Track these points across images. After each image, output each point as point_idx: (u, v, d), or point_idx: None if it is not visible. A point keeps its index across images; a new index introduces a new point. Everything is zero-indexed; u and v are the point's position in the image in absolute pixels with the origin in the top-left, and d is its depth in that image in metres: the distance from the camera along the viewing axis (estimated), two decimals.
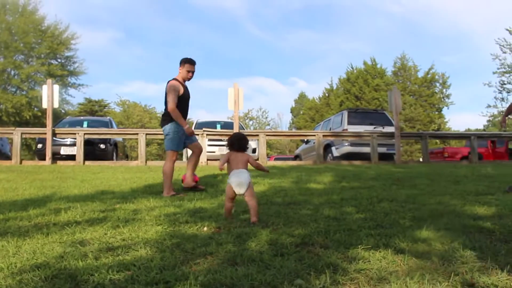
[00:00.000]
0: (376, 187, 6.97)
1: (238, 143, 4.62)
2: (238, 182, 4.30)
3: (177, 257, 2.97)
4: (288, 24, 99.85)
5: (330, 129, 16.64)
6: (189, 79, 6.97)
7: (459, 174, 9.01)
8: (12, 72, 34.38)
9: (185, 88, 6.94)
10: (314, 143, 15.91)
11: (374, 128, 15.53)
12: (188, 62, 6.89)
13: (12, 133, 13.92)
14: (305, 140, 18.90)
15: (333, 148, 15.99)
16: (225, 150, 14.65)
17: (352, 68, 48.04)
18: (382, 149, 15.14)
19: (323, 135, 15.16)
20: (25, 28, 33.35)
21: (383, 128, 15.69)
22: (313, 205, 5.22)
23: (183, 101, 6.84)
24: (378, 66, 46.37)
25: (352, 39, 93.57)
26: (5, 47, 33.35)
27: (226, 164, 4.52)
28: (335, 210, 4.77)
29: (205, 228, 3.90)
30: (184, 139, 6.89)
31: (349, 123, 15.72)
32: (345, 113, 16.39)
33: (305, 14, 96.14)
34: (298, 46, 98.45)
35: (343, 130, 15.45)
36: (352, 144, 15.40)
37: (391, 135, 15.06)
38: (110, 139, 15.70)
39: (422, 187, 6.88)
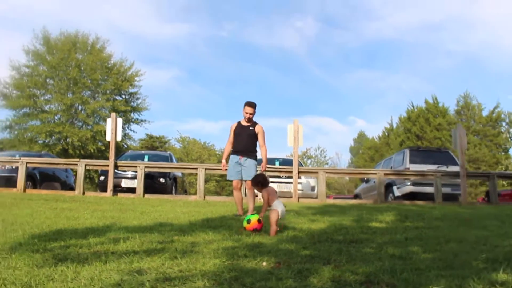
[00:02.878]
0: (442, 227, 6.64)
1: (266, 179, 6.18)
2: (283, 210, 5.77)
3: None
4: (347, 63, 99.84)
5: (391, 168, 16.21)
6: (247, 120, 8.35)
7: None
8: (79, 107, 35.72)
9: (240, 127, 8.42)
10: (374, 182, 15.52)
11: (438, 167, 15.00)
12: (245, 104, 8.32)
13: (76, 164, 14.36)
14: (365, 179, 18.48)
15: (394, 188, 15.53)
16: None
17: (413, 106, 47.11)
18: (447, 189, 14.56)
19: (384, 174, 14.76)
20: (93, 65, 34.72)
21: (447, 167, 15.12)
22: (376, 243, 5.00)
23: (235, 137, 8.42)
24: (440, 104, 45.22)
25: (413, 78, 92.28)
26: (74, 84, 34.81)
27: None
28: (400, 249, 4.53)
29: (265, 263, 3.77)
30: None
31: (411, 161, 15.27)
32: (407, 152, 15.96)
33: (364, 53, 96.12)
34: (357, 85, 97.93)
35: (405, 169, 15.01)
36: (415, 184, 14.90)
37: (456, 175, 14.47)
38: (169, 173, 15.91)
39: (493, 229, 6.49)
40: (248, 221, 5.86)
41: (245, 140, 8.30)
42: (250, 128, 8.33)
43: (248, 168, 8.22)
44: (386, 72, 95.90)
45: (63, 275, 3.25)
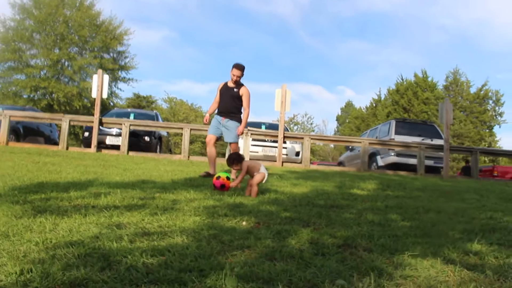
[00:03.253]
0: (422, 198, 6.71)
1: (239, 155, 6.17)
2: (267, 174, 5.85)
3: (213, 247, 2.86)
4: (339, 32, 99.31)
5: (376, 138, 16.27)
6: (234, 81, 8.12)
7: None
8: (66, 63, 35.25)
9: (225, 87, 8.21)
10: (359, 150, 15.60)
11: (422, 139, 15.09)
12: (233, 66, 8.08)
13: (61, 119, 14.23)
14: (350, 147, 18.56)
15: (378, 157, 15.63)
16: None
17: (402, 79, 47.08)
18: (429, 162, 14.66)
19: (369, 143, 14.82)
20: (81, 22, 34.16)
21: (432, 140, 15.21)
22: (356, 209, 5.04)
23: (220, 97, 8.26)
24: (429, 79, 45.25)
25: (404, 51, 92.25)
26: (61, 39, 34.25)
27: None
28: (379, 216, 4.57)
29: (244, 223, 3.79)
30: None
31: (397, 132, 15.33)
32: (393, 123, 16.01)
33: (357, 24, 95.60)
34: (348, 55, 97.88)
35: (390, 139, 15.09)
36: (398, 154, 14.98)
37: (439, 148, 14.57)
38: (155, 132, 15.84)
39: (472, 202, 6.56)
40: (218, 178, 5.82)
41: (228, 101, 8.14)
42: (235, 90, 8.13)
43: (230, 129, 8.09)
44: (378, 44, 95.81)
45: (42, 226, 3.24)
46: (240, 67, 8.08)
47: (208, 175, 7.77)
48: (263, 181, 5.81)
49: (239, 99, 8.13)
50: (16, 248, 2.63)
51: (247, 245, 2.97)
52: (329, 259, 2.74)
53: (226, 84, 8.25)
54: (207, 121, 8.44)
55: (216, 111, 8.40)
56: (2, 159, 8.75)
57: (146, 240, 2.95)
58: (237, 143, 8.20)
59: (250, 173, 5.81)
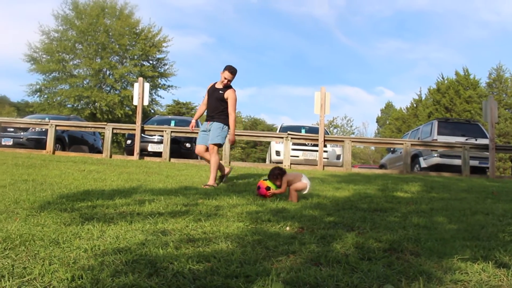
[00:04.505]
0: (469, 199, 6.55)
1: (282, 169, 6.00)
2: (309, 185, 5.86)
3: (258, 253, 2.87)
4: (377, 32, 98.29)
5: (418, 139, 15.99)
6: (224, 84, 7.56)
7: None
8: (107, 72, 36.00)
9: (213, 89, 7.69)
10: (401, 152, 15.36)
11: (466, 139, 14.73)
12: (225, 68, 7.56)
13: (104, 127, 14.53)
14: (391, 149, 18.29)
15: (420, 159, 15.36)
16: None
17: (442, 78, 46.11)
18: (474, 162, 14.31)
19: (412, 144, 14.57)
20: (121, 30, 34.83)
21: (476, 140, 14.84)
22: (400, 212, 4.97)
23: (207, 99, 7.75)
24: (471, 77, 44.13)
25: (443, 49, 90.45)
26: (102, 49, 35.03)
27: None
28: (425, 219, 4.49)
29: (288, 228, 3.78)
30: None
31: (439, 133, 15.01)
32: (435, 123, 15.69)
33: (394, 23, 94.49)
34: (386, 55, 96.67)
35: (433, 140, 14.80)
36: (442, 155, 14.67)
37: (484, 147, 14.21)
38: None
39: None
40: (267, 187, 5.85)
41: (213, 103, 7.61)
42: (220, 91, 7.56)
43: (212, 131, 7.50)
44: (416, 43, 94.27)
45: (90, 233, 3.31)
46: (233, 71, 7.59)
47: (223, 177, 7.89)
48: (305, 191, 5.81)
49: (224, 101, 7.56)
50: (67, 255, 2.70)
51: (292, 251, 2.96)
52: (376, 263, 2.70)
53: (214, 85, 7.76)
54: (193, 127, 8.02)
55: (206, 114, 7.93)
56: (49, 167, 8.99)
57: (191, 247, 2.98)
58: (217, 145, 7.50)
59: (290, 185, 5.82)
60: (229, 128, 7.59)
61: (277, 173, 5.90)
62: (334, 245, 3.17)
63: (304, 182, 5.75)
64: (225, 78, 7.49)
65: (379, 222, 4.23)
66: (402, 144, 14.69)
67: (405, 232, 3.73)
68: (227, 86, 7.58)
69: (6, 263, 2.50)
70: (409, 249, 3.11)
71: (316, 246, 3.10)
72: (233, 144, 7.94)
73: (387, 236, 3.48)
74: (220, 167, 7.81)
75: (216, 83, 7.72)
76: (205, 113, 8.04)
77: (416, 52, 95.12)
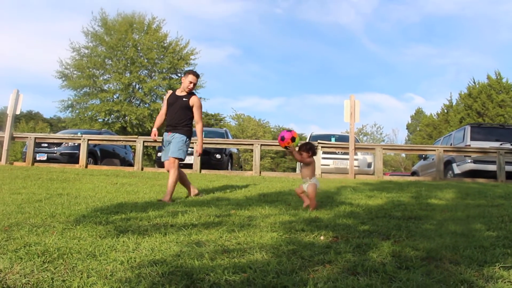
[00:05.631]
0: (506, 205, 6.38)
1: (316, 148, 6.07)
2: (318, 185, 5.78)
3: (294, 263, 2.84)
4: (405, 38, 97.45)
5: (451, 145, 15.72)
6: (187, 90, 7.06)
7: None
8: (137, 86, 36.49)
9: (174, 96, 7.13)
10: (433, 159, 15.13)
11: (501, 144, 14.42)
12: (188, 73, 7.11)
13: (135, 140, 14.71)
14: (423, 156, 18.04)
15: (454, 165, 15.08)
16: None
17: (474, 83, 45.28)
18: (510, 167, 14.00)
19: (444, 150, 14.33)
20: (150, 45, 35.33)
21: (511, 144, 14.51)
22: (436, 220, 4.88)
23: (168, 109, 7.16)
24: (504, 80, 43.27)
25: (474, 53, 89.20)
26: (131, 63, 35.57)
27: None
28: (462, 227, 4.39)
29: (322, 237, 3.74)
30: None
31: (472, 138, 14.73)
32: (468, 128, 15.40)
33: (423, 28, 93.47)
34: (415, 61, 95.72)
35: (466, 146, 14.53)
36: (476, 161, 14.38)
37: None
38: (225, 149, 16.05)
39: None
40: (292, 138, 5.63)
41: (176, 112, 7.00)
42: (184, 99, 7.02)
43: (174, 143, 6.97)
44: (445, 48, 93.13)
45: (125, 245, 3.34)
46: (197, 74, 7.16)
47: (196, 195, 7.29)
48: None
49: (189, 109, 7.02)
50: (104, 267, 2.72)
51: (327, 260, 2.93)
52: (414, 272, 2.65)
53: (174, 93, 7.20)
54: (156, 136, 7.37)
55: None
56: (82, 181, 9.13)
57: (226, 257, 2.97)
58: (178, 159, 7.04)
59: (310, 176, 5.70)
60: (189, 141, 7.16)
61: (308, 148, 5.73)
62: (370, 254, 3.13)
63: (313, 183, 5.64)
64: (191, 82, 7.00)
65: (415, 230, 4.16)
66: (435, 150, 14.48)
67: (442, 240, 3.66)
68: (191, 93, 7.12)
69: (46, 276, 2.54)
70: (448, 258, 3.05)
71: (352, 255, 3.06)
72: (200, 155, 7.60)
73: (423, 244, 3.41)
74: (187, 186, 7.42)
75: (175, 91, 7.22)
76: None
77: (446, 57, 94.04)
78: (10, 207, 5.40)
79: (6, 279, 2.47)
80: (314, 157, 5.83)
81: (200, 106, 7.15)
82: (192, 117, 7.09)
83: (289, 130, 5.76)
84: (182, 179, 7.28)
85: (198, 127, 7.21)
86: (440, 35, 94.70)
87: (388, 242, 3.54)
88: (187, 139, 7.02)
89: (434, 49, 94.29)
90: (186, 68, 38.04)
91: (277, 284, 2.39)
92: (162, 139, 7.21)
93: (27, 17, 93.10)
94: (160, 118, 7.33)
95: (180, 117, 6.98)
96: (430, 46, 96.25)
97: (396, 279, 2.51)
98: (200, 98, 28.87)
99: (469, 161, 14.47)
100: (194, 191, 7.33)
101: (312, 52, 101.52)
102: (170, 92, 7.31)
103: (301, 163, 5.83)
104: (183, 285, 2.37)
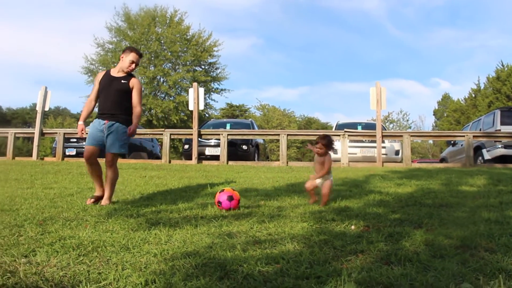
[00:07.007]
0: None
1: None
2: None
3: (326, 253, 2.83)
4: (429, 22, 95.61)
5: (480, 130, 15.44)
6: (129, 70, 5.86)
7: None
8: (161, 79, 36.73)
9: (109, 78, 5.84)
10: (462, 145, 14.89)
11: None
12: (130, 50, 5.96)
13: (162, 133, 14.82)
14: (452, 142, 17.76)
15: (483, 151, 14.81)
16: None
17: (502, 65, 44.34)
18: None
19: (474, 136, 14.08)
20: (173, 38, 35.49)
21: None
22: (468, 207, 4.82)
23: (101, 92, 5.81)
24: None
25: (501, 35, 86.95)
26: (155, 57, 35.82)
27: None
28: (495, 214, 4.32)
29: (353, 227, 3.72)
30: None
31: (503, 123, 14.41)
32: (498, 112, 15.08)
33: (447, 11, 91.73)
34: (441, 45, 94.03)
35: (496, 130, 14.25)
36: (507, 146, 14.09)
37: None
38: (252, 140, 16.06)
39: None
40: (221, 191, 4.92)
41: (113, 96, 5.74)
42: (123, 81, 5.81)
43: (114, 134, 5.68)
44: (472, 30, 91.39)
45: (157, 238, 3.37)
46: (140, 53, 6.04)
47: (98, 200, 5.65)
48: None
49: (128, 93, 5.81)
50: (138, 260, 2.75)
51: (360, 250, 2.91)
52: (449, 261, 2.62)
53: (108, 73, 5.92)
54: (84, 132, 5.79)
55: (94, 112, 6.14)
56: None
57: (258, 248, 2.98)
58: (120, 155, 6.05)
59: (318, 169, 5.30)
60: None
61: (331, 141, 5.27)
62: (403, 243, 3.09)
63: (330, 180, 5.25)
64: (132, 62, 5.84)
65: (447, 218, 4.11)
66: (464, 136, 14.23)
67: (476, 227, 3.60)
68: (130, 74, 5.92)
69: (82, 268, 2.57)
70: (483, 246, 3.00)
71: (385, 245, 3.04)
72: (131, 136, 5.86)
73: (457, 232, 3.36)
74: (101, 181, 5.86)
75: (109, 71, 5.98)
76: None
77: (473, 40, 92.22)
78: (43, 201, 5.50)
79: (44, 272, 2.51)
80: (332, 151, 5.36)
81: (141, 89, 5.98)
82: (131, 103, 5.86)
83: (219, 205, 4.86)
84: (98, 173, 5.81)
85: (136, 110, 5.85)
86: (466, 18, 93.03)
87: (421, 230, 3.50)
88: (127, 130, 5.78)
89: (459, 32, 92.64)
90: (210, 60, 38.12)
91: (311, 274, 2.38)
92: (90, 125, 5.87)
93: (52, 15, 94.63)
94: (89, 106, 5.91)
95: (118, 102, 5.74)
96: (456, 29, 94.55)
97: (431, 268, 2.48)
98: (224, 89, 28.56)
99: (500, 146, 14.19)
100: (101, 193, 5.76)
101: (335, 39, 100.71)
102: (102, 72, 6.00)
103: (316, 157, 5.35)
104: (217, 277, 2.38)
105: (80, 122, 5.76)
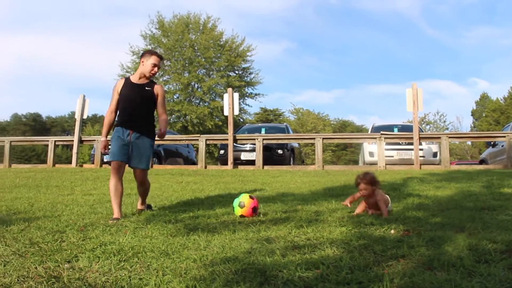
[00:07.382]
0: None
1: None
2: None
3: (367, 258, 2.79)
4: (464, 20, 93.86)
5: None
6: (148, 76, 5.41)
7: None
8: (196, 85, 37.10)
9: (130, 86, 5.40)
10: (503, 146, 14.51)
11: None
12: (151, 53, 5.49)
13: (198, 139, 14.93)
14: (492, 143, 17.33)
15: None
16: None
17: None
18: None
19: None
20: (206, 44, 35.86)
21: None
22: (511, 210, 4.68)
23: (123, 102, 5.36)
24: None
25: None
26: (189, 63, 36.23)
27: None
28: None
29: (393, 231, 3.67)
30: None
31: None
32: None
33: (483, 8, 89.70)
34: (477, 43, 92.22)
35: None
36: None
37: None
38: (287, 144, 16.02)
39: None
40: (241, 205, 4.77)
41: (137, 105, 5.32)
42: (147, 88, 5.40)
43: (142, 149, 5.30)
44: (509, 27, 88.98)
45: (196, 243, 3.39)
46: (161, 56, 5.59)
47: (117, 220, 4.79)
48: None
49: (152, 101, 5.43)
50: (178, 266, 2.77)
51: (401, 254, 2.86)
52: (495, 266, 2.55)
53: (128, 81, 5.46)
54: (106, 149, 5.54)
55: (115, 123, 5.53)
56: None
57: (297, 254, 2.96)
58: (147, 170, 5.49)
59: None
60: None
61: (376, 179, 4.72)
62: (445, 247, 3.03)
63: (387, 196, 4.86)
64: (155, 65, 5.38)
65: (490, 222, 4.00)
66: (504, 136, 13.87)
67: None
68: (151, 80, 5.50)
69: (123, 274, 2.61)
70: None
71: (426, 249, 2.98)
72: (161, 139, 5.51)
73: (502, 237, 3.27)
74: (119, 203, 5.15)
75: (128, 78, 5.52)
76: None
77: (510, 36, 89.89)
78: (83, 207, 5.61)
79: (87, 278, 2.55)
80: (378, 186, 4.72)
81: (165, 96, 5.64)
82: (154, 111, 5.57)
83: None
84: (121, 191, 5.23)
85: (163, 119, 5.47)
86: (503, 14, 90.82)
87: (463, 234, 3.42)
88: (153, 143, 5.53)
89: (496, 30, 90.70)
90: (244, 65, 38.24)
91: (352, 280, 2.35)
92: (113, 136, 5.36)
93: (88, 26, 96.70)
94: (109, 119, 5.47)
95: (145, 112, 5.41)
96: (492, 27, 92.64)
97: (476, 274, 2.42)
98: (258, 94, 28.53)
99: None
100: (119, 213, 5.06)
101: (369, 41, 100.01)
102: (121, 80, 5.50)
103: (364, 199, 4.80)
104: (257, 282, 2.37)
105: (103, 139, 5.49)
